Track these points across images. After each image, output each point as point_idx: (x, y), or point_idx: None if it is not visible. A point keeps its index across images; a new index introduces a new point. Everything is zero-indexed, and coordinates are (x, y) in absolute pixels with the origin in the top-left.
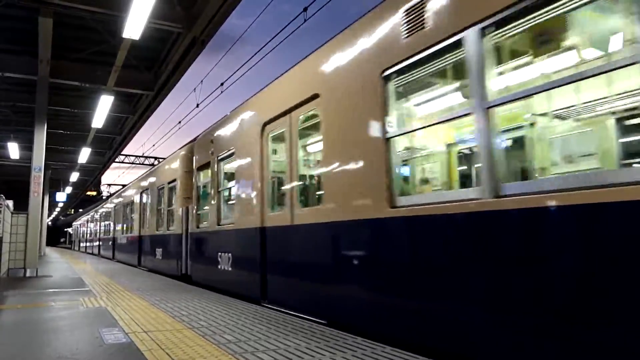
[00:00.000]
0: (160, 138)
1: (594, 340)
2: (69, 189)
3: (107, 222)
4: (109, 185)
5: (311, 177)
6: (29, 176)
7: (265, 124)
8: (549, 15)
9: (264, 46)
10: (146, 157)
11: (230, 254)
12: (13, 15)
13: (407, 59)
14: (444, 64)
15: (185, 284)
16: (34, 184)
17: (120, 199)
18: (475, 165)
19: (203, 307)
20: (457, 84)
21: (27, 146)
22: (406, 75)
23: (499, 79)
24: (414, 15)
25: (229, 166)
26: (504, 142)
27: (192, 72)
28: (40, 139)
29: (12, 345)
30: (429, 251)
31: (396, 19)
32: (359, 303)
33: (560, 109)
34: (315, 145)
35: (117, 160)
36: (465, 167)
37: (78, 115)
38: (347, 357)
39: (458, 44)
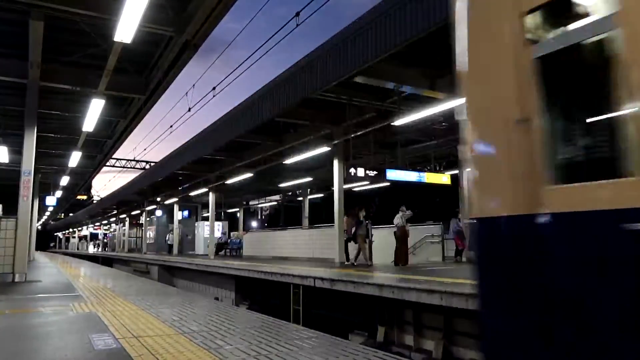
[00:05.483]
0: (152, 142)
1: None
2: (59, 193)
3: None
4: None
5: None
6: (18, 180)
7: None
8: None
9: (255, 51)
10: (137, 161)
11: None
12: (2, 18)
13: None
14: None
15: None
16: (24, 188)
17: None
18: None
19: (194, 312)
20: None
21: (16, 150)
22: None
23: None
24: None
25: None
26: None
27: (184, 75)
28: (30, 142)
29: (0, 352)
30: None
31: None
32: None
33: None
34: None
35: (108, 164)
36: None
37: (68, 118)
38: None
39: None
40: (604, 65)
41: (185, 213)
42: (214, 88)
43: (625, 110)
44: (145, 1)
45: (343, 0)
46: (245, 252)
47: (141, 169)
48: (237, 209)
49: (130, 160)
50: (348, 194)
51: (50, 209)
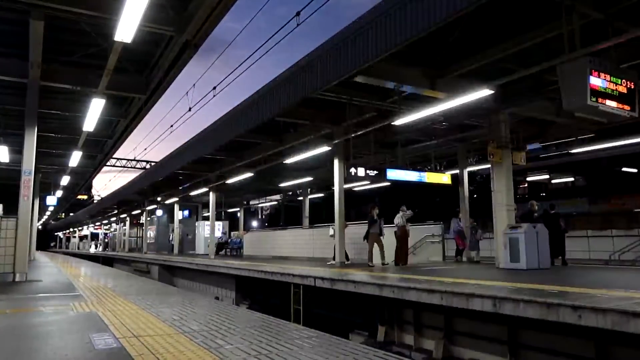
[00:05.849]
0: (152, 142)
1: None
2: (59, 193)
3: None
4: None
5: None
6: (19, 180)
7: None
8: None
9: (255, 51)
10: (137, 161)
11: None
12: (3, 18)
13: None
14: None
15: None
16: (24, 188)
17: None
18: None
19: (194, 312)
20: None
21: (17, 149)
22: None
23: None
24: None
25: None
26: None
27: (184, 75)
28: (31, 142)
29: (1, 352)
30: None
31: None
32: None
33: None
34: None
35: (108, 164)
36: None
37: (69, 118)
38: None
39: None
40: None
41: (186, 212)
42: (214, 88)
43: None
44: (145, 1)
45: (343, 0)
46: (245, 251)
47: (141, 168)
48: (238, 209)
49: (131, 160)
50: (348, 194)
51: (51, 208)
